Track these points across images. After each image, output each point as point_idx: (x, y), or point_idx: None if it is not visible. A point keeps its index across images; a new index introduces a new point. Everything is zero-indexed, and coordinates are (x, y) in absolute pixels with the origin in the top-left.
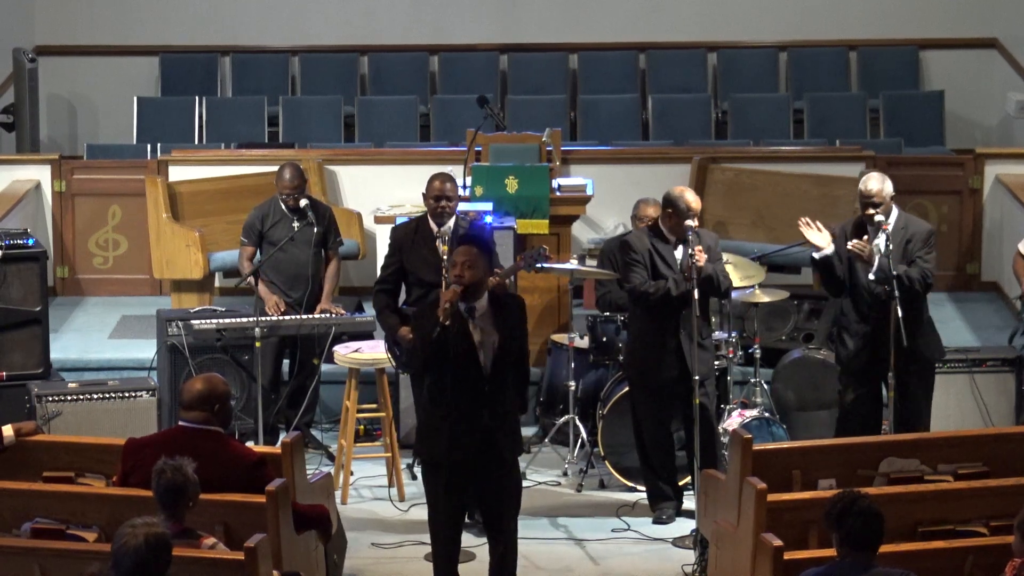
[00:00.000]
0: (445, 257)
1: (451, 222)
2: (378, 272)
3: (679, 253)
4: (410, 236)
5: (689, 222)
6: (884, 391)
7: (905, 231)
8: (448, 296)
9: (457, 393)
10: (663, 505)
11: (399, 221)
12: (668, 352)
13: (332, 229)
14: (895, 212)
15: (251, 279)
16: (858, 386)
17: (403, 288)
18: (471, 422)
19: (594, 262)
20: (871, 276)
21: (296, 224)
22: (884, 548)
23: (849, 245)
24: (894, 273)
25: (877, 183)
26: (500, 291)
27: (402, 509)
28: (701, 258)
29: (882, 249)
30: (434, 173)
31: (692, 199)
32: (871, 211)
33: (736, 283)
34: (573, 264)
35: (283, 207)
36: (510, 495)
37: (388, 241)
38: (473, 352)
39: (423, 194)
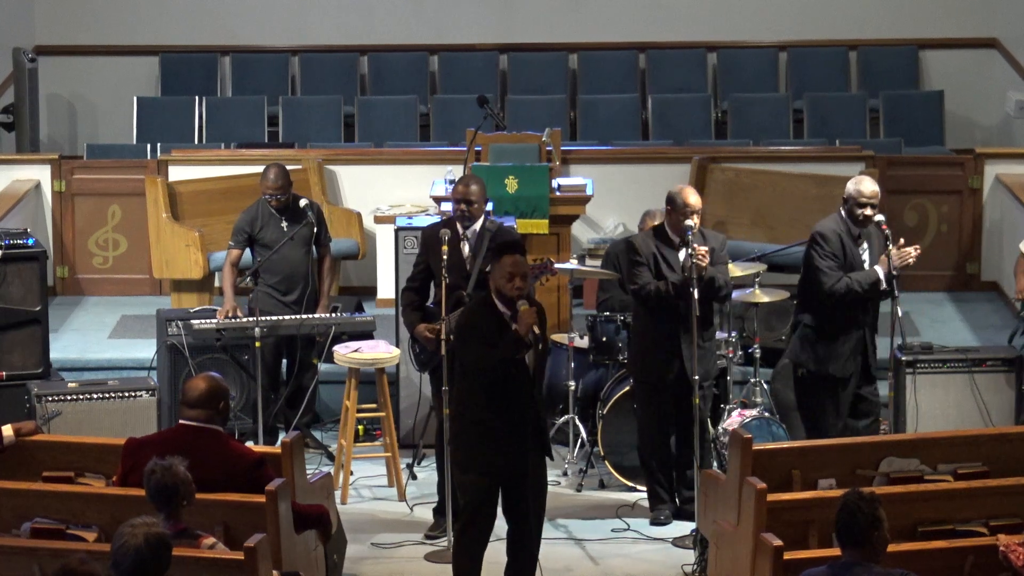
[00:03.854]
0: (468, 261)
1: (477, 225)
2: (377, 272)
3: (683, 255)
4: (434, 237)
5: (688, 221)
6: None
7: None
8: (533, 320)
9: (513, 399)
10: (661, 506)
11: (399, 221)
12: (668, 353)
13: (323, 226)
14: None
15: (227, 276)
16: (843, 396)
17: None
18: (525, 426)
19: (595, 262)
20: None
21: (285, 225)
22: None
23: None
24: (894, 273)
25: (873, 184)
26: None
27: (404, 509)
28: (703, 258)
29: (869, 248)
30: (461, 176)
31: (691, 196)
32: (869, 211)
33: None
34: (573, 264)
35: (270, 209)
36: (543, 493)
37: (409, 241)
38: (526, 360)
39: (442, 197)
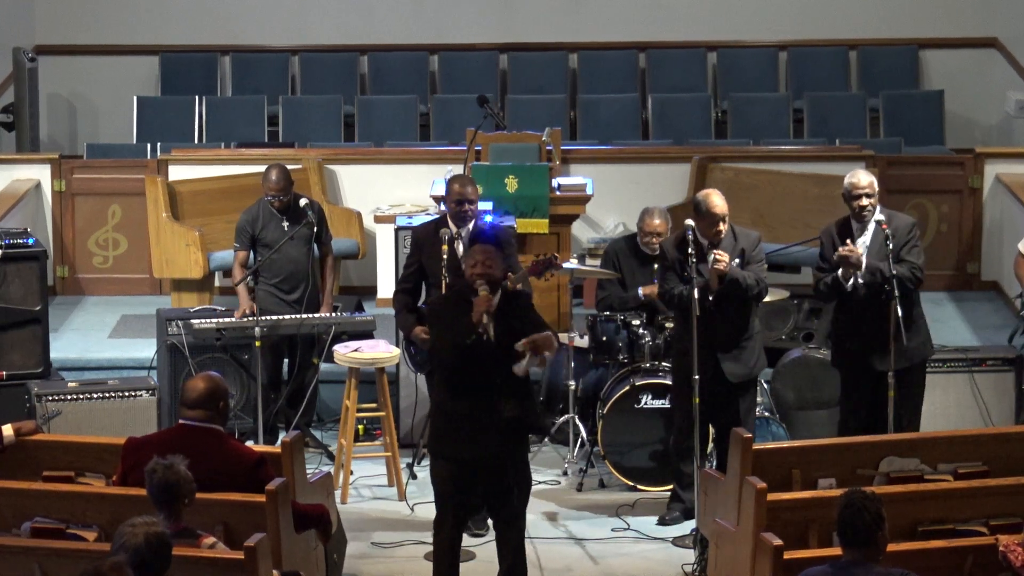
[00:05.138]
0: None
1: (471, 224)
2: (377, 271)
3: (711, 259)
4: (429, 238)
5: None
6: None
7: (889, 227)
8: (484, 306)
9: (478, 388)
10: (675, 504)
11: (399, 220)
12: (703, 354)
13: (323, 225)
14: (878, 208)
15: (249, 280)
16: (857, 388)
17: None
18: (490, 416)
19: (595, 262)
20: (860, 279)
21: (286, 224)
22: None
23: (841, 251)
24: (893, 272)
25: (867, 175)
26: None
27: (404, 508)
28: (722, 262)
29: (869, 246)
30: (452, 175)
31: (717, 202)
32: (865, 201)
33: None
34: (573, 264)
35: (271, 208)
36: (523, 485)
37: (407, 241)
38: (490, 347)
39: (441, 197)
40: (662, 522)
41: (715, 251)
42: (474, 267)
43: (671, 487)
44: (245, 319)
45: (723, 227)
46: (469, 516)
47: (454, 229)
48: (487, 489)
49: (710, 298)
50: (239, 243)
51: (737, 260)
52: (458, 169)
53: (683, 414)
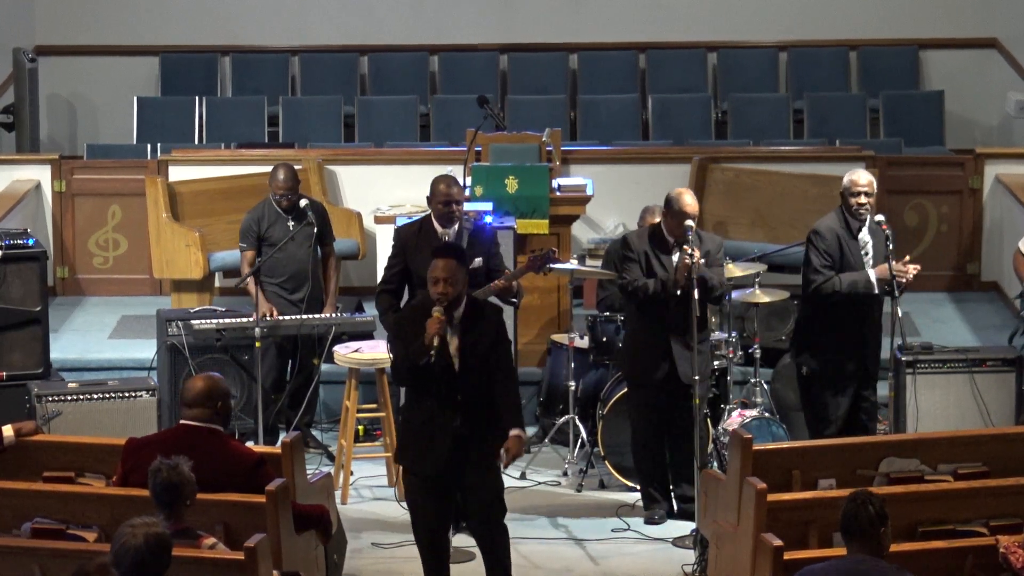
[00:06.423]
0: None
1: (456, 225)
2: (377, 272)
3: (676, 257)
4: (414, 238)
5: (689, 221)
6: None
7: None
8: (435, 328)
9: (433, 401)
10: (654, 506)
11: (399, 221)
12: (658, 353)
13: (326, 226)
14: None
15: (249, 281)
16: (844, 395)
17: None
18: (444, 429)
19: (595, 262)
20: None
21: (292, 224)
22: None
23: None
24: (894, 274)
25: (867, 175)
26: (506, 295)
27: (403, 509)
28: (692, 257)
29: (879, 248)
30: (437, 176)
31: (689, 201)
32: (864, 200)
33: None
34: (573, 264)
35: (277, 208)
36: (490, 495)
37: (391, 241)
38: (449, 361)
39: (427, 198)
40: (650, 522)
41: (684, 246)
42: (435, 285)
43: (640, 489)
44: (244, 319)
45: (692, 226)
46: (444, 524)
47: (439, 229)
48: (465, 503)
49: (678, 293)
50: (245, 243)
51: (702, 260)
52: (458, 170)
53: (641, 416)
